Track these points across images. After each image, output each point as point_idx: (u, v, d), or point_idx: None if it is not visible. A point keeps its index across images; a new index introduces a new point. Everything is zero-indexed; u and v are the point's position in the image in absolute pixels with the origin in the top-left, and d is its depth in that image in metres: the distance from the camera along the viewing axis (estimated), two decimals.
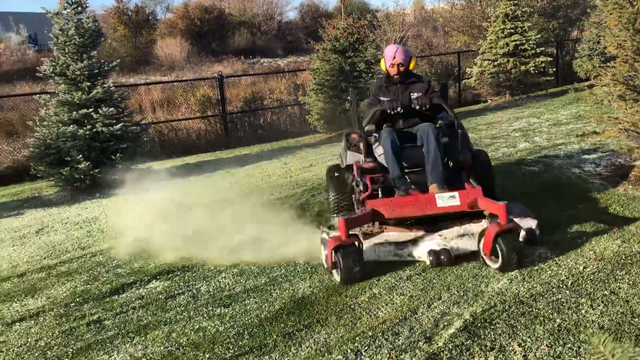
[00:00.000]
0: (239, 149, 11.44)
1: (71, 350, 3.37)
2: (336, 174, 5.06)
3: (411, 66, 4.72)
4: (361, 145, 4.82)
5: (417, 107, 4.51)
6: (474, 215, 4.12)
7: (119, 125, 8.11)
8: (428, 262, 3.91)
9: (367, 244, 4.05)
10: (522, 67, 13.57)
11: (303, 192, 6.71)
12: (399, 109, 4.50)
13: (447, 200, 4.00)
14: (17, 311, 4.03)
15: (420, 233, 4.13)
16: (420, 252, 3.99)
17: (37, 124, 8.22)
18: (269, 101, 13.90)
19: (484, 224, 4.04)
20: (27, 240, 5.93)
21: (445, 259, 3.86)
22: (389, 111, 4.53)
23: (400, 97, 4.66)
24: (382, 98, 4.71)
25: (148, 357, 3.17)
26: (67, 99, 7.99)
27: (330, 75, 10.70)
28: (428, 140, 4.35)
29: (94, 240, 5.66)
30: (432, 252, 3.88)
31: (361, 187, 4.46)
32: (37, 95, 8.78)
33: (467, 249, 3.99)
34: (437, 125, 4.65)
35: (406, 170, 4.49)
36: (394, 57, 4.64)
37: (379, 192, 4.39)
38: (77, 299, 4.10)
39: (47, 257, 5.27)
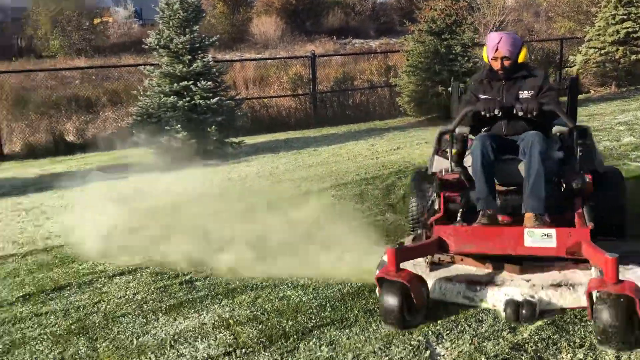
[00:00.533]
0: (326, 128, 11.55)
1: (165, 305, 3.60)
2: (421, 181, 4.25)
3: (520, 58, 3.74)
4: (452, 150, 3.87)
5: (521, 113, 3.54)
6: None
7: (215, 99, 8.44)
8: (503, 315, 3.07)
9: (431, 278, 3.34)
10: (633, 57, 12.66)
11: (389, 174, 6.71)
12: (496, 111, 3.56)
13: (539, 238, 3.14)
14: (117, 266, 4.33)
15: (502, 273, 3.32)
16: (497, 300, 3.14)
17: (141, 93, 8.71)
18: (359, 82, 13.90)
19: (593, 273, 3.18)
20: (128, 202, 6.32)
21: (527, 315, 3.00)
22: (483, 113, 3.60)
23: (504, 96, 3.74)
24: (481, 96, 3.82)
25: (235, 319, 3.33)
26: (169, 70, 8.40)
27: (424, 57, 10.52)
28: (531, 154, 3.40)
29: (189, 206, 5.95)
30: (510, 304, 3.04)
31: (435, 205, 3.72)
32: (142, 67, 9.27)
33: (560, 305, 3.09)
34: (555, 134, 3.73)
35: (501, 189, 3.64)
36: (497, 49, 3.70)
37: (459, 214, 3.59)
38: (171, 260, 4.34)
39: (145, 218, 5.60)
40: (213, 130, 8.36)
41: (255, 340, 3.06)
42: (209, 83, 8.42)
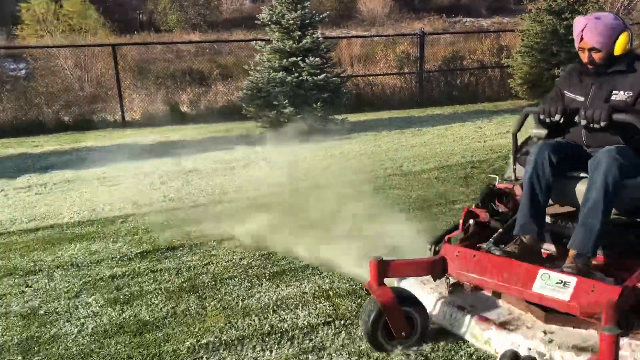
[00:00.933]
0: (431, 108, 11.36)
1: (268, 272, 3.74)
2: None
3: (617, 49, 2.87)
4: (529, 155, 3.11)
5: (583, 122, 2.78)
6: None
7: (322, 76, 8.55)
8: None
9: (445, 302, 2.89)
10: None
11: (497, 158, 6.49)
12: (557, 116, 2.85)
13: (552, 285, 2.48)
14: (226, 231, 4.54)
15: (526, 316, 2.73)
16: (500, 346, 2.60)
17: (252, 68, 8.99)
18: (468, 62, 13.45)
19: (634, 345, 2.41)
20: (236, 172, 6.62)
21: None
22: (542, 117, 2.93)
23: (591, 96, 2.95)
24: (567, 93, 3.08)
25: (334, 291, 3.40)
26: (280, 46, 8.60)
27: (541, 37, 9.96)
28: (594, 175, 2.66)
29: (292, 179, 6.13)
30: (507, 356, 2.41)
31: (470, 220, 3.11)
32: (253, 42, 9.54)
33: None
34: None
35: (561, 211, 2.99)
36: (581, 39, 2.92)
37: (495, 234, 2.96)
38: (274, 229, 4.48)
39: (251, 189, 5.84)
40: (318, 107, 8.47)
41: (354, 313, 3.11)
42: (316, 59, 8.54)
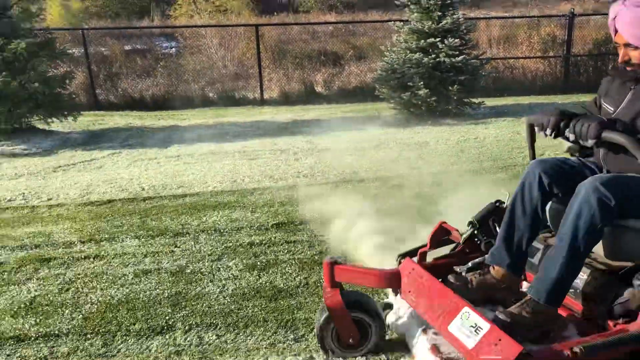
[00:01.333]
0: (577, 95, 10.58)
1: (397, 252, 3.74)
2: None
3: None
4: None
5: (572, 137, 2.25)
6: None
7: (460, 57, 8.29)
8: None
9: (416, 316, 2.61)
10: None
11: None
12: (547, 131, 2.32)
13: (466, 327, 2.12)
14: (356, 209, 4.59)
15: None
16: None
17: (388, 49, 8.95)
18: None
19: None
20: (366, 154, 6.68)
21: None
22: (536, 130, 2.43)
23: (622, 108, 2.33)
24: (602, 102, 2.50)
25: None
26: (418, 27, 8.47)
27: None
28: (568, 210, 2.16)
29: (423, 162, 6.06)
30: None
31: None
32: (392, 22, 9.48)
33: None
34: None
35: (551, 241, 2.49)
36: (615, 31, 2.31)
37: (481, 258, 2.58)
38: (402, 208, 4.46)
39: (381, 170, 5.87)
40: (454, 89, 8.26)
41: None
42: (456, 40, 8.30)
